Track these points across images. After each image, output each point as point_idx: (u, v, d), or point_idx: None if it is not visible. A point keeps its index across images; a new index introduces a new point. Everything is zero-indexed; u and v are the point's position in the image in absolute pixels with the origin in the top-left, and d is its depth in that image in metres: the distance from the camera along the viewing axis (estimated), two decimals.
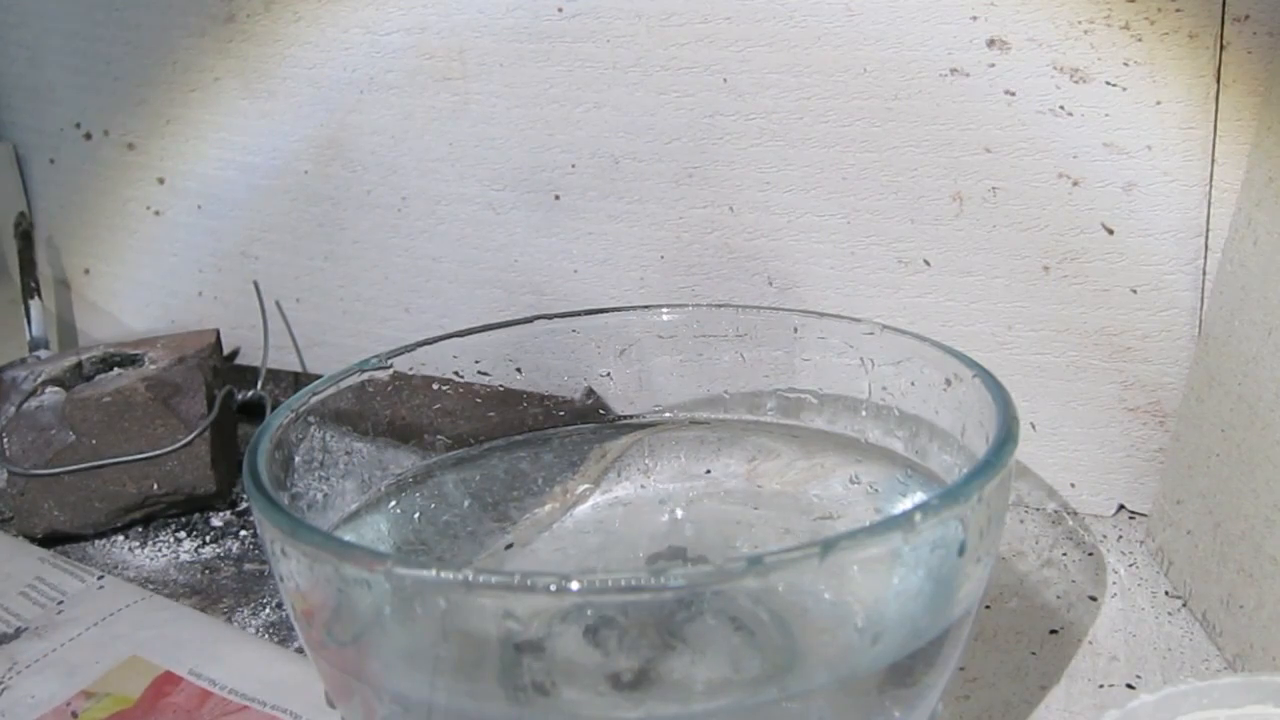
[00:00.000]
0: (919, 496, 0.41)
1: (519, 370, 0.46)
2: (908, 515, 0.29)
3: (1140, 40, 0.46)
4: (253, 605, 0.50)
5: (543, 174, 0.59)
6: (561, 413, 0.47)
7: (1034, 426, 0.52)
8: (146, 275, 0.74)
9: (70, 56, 0.73)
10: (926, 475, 0.41)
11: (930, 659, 0.32)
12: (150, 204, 0.72)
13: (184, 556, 0.55)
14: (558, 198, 0.59)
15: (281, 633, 0.47)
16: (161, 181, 0.71)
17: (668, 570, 0.27)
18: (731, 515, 0.43)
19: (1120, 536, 0.51)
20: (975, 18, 0.48)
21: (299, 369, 0.69)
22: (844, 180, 0.53)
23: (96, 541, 0.56)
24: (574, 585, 0.27)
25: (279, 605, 0.49)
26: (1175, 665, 0.43)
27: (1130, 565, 0.49)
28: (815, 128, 0.52)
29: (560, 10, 0.56)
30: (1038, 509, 0.53)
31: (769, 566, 0.28)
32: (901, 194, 0.52)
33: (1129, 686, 0.42)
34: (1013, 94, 0.48)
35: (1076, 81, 0.47)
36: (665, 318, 0.46)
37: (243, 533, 0.56)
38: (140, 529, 0.57)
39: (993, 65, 0.48)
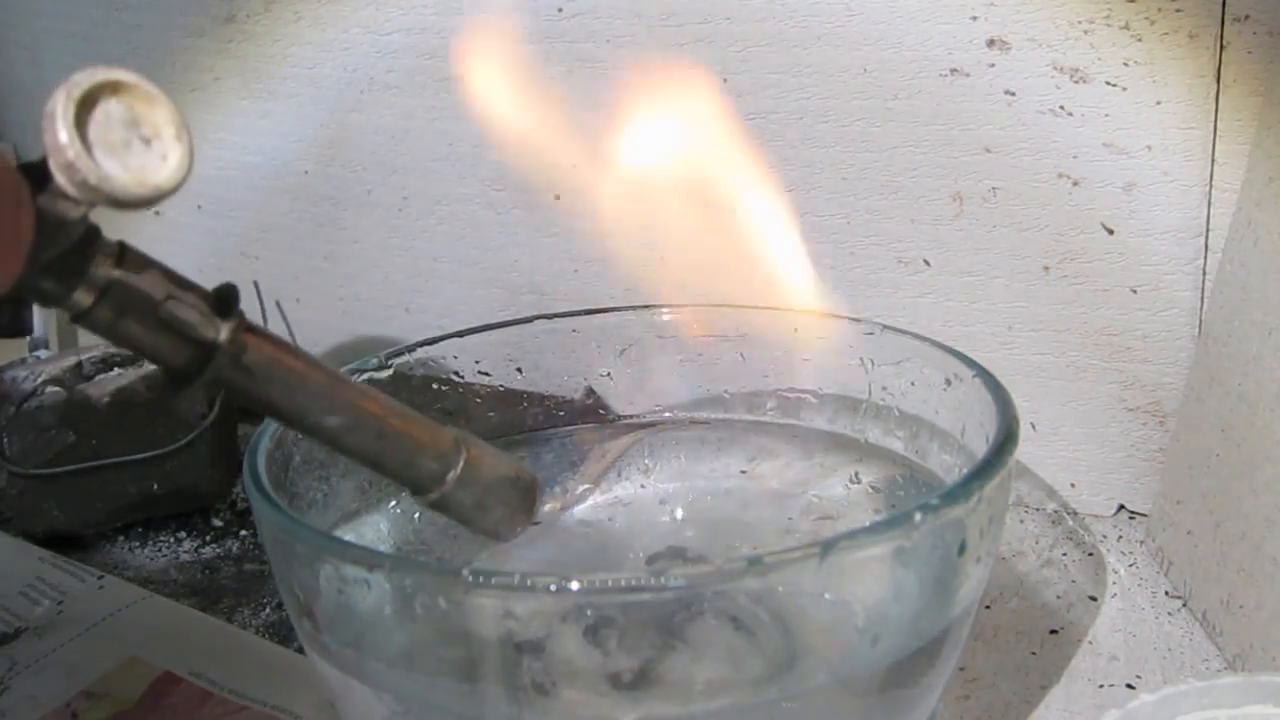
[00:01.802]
0: (919, 496, 0.41)
1: (519, 370, 0.46)
2: (908, 515, 0.29)
3: (1140, 40, 0.46)
4: (253, 605, 0.50)
5: (543, 174, 0.59)
6: (561, 413, 0.47)
7: (1034, 426, 0.52)
8: None
9: (70, 56, 0.73)
10: (926, 475, 0.41)
11: (930, 659, 0.32)
12: None
13: (184, 556, 0.55)
14: (558, 198, 0.59)
15: (281, 633, 0.47)
16: None
17: (668, 570, 0.27)
18: (731, 515, 0.43)
19: (1120, 536, 0.51)
20: (975, 18, 0.48)
21: None
22: (844, 180, 0.53)
23: (97, 541, 0.56)
24: (574, 585, 0.27)
25: (279, 605, 0.49)
26: (1175, 665, 0.43)
27: (1130, 565, 0.49)
28: (815, 128, 0.52)
29: (560, 10, 0.56)
30: (1038, 509, 0.53)
31: (769, 566, 0.28)
32: (901, 194, 0.52)
33: (1129, 686, 0.42)
34: (1013, 94, 0.48)
35: (1076, 81, 0.47)
36: (665, 318, 0.46)
37: (243, 533, 0.56)
38: (140, 529, 0.57)
39: (993, 65, 0.48)
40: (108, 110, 0.23)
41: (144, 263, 0.26)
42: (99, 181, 0.22)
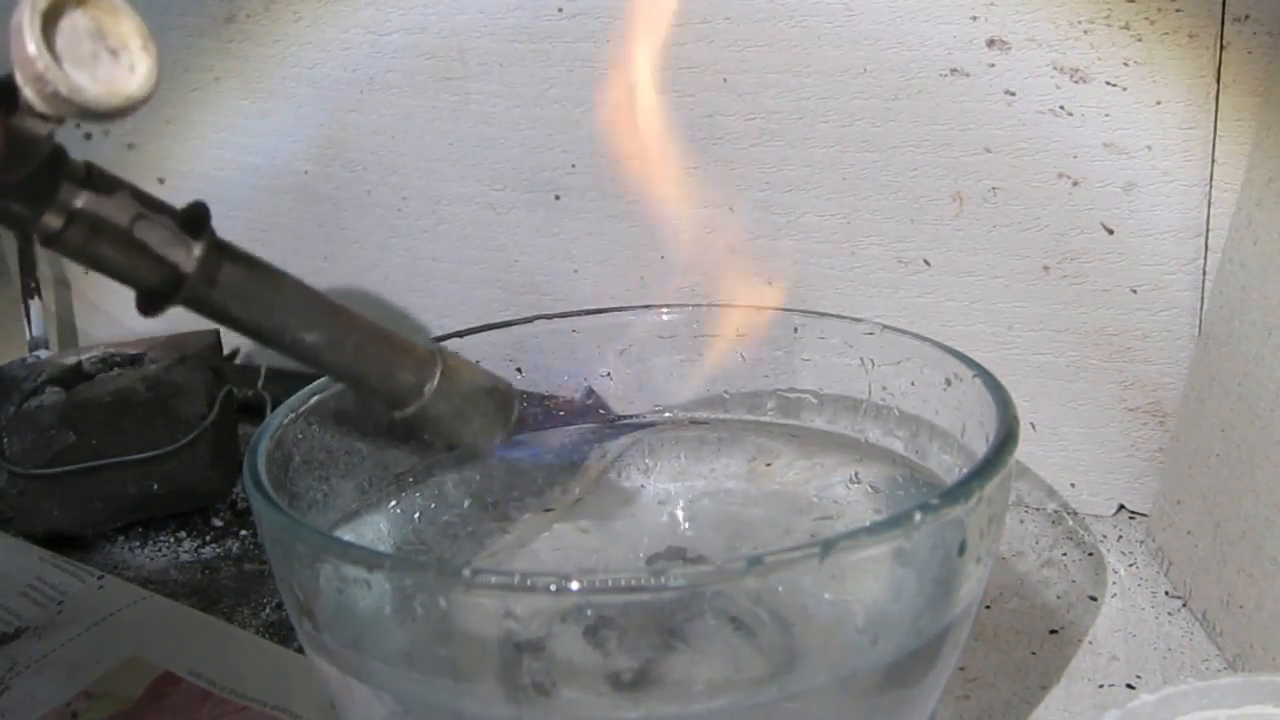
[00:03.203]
0: (919, 496, 0.41)
1: (519, 370, 0.46)
2: (908, 515, 0.29)
3: (1140, 40, 0.46)
4: (253, 605, 0.50)
5: (543, 174, 0.59)
6: (561, 413, 0.47)
7: (1034, 426, 0.52)
8: None
9: None
10: (926, 475, 0.41)
11: (930, 659, 0.32)
12: None
13: (184, 556, 0.55)
14: (558, 198, 0.59)
15: (281, 633, 0.47)
16: (161, 181, 0.71)
17: (668, 570, 0.28)
18: (731, 515, 0.43)
19: (1120, 536, 0.51)
20: (975, 18, 0.48)
21: (299, 369, 0.69)
22: (844, 180, 0.53)
23: (97, 541, 0.56)
24: (574, 585, 0.27)
25: (279, 605, 0.49)
26: (1175, 665, 0.43)
27: (1130, 565, 0.49)
28: (815, 128, 0.52)
29: (560, 10, 0.56)
30: (1038, 509, 0.53)
31: (769, 566, 0.28)
32: (901, 194, 0.52)
33: (1129, 686, 0.42)
34: (1013, 94, 0.48)
35: (1076, 81, 0.47)
36: (665, 318, 0.46)
37: (243, 533, 0.56)
38: (140, 529, 0.57)
39: (993, 65, 0.48)
40: (74, 22, 0.22)
41: (112, 183, 0.25)
42: (70, 92, 0.22)
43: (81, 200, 0.25)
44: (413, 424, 0.31)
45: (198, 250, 0.26)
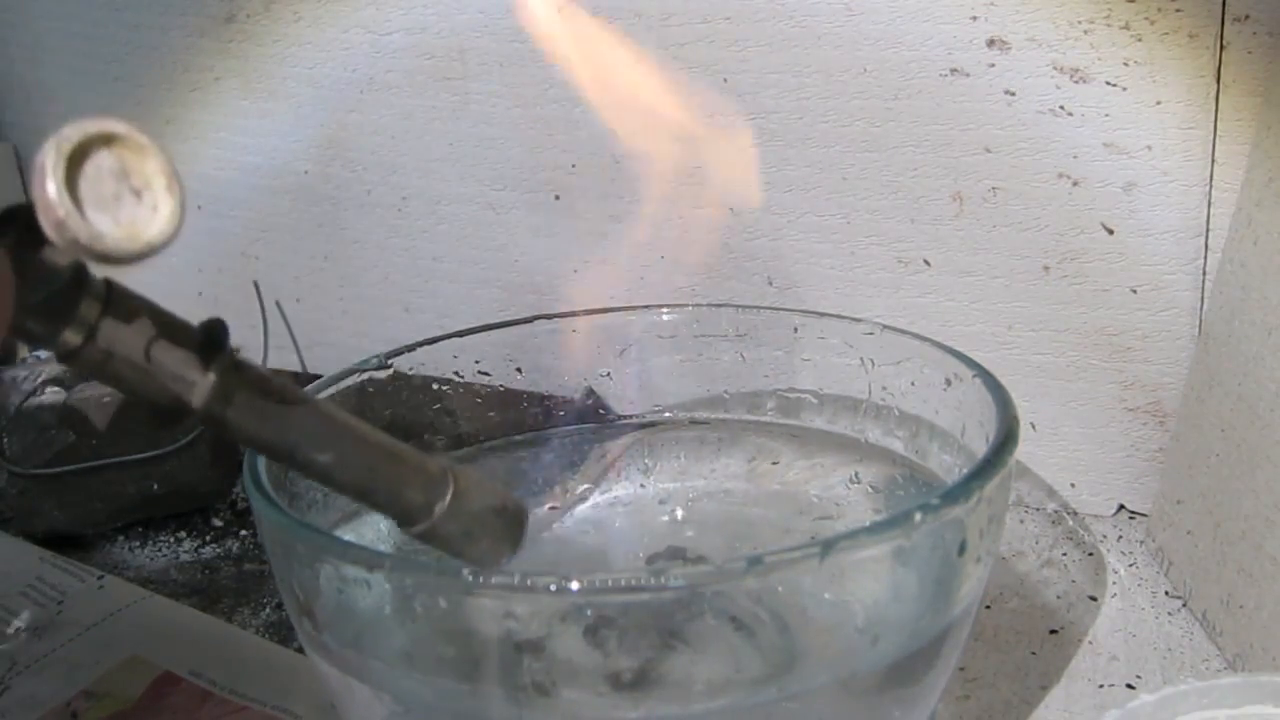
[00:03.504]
0: (919, 496, 0.41)
1: (519, 370, 0.46)
2: (908, 515, 0.29)
3: (1140, 40, 0.46)
4: (253, 605, 0.50)
5: (543, 174, 0.59)
6: (561, 413, 0.47)
7: (1034, 426, 0.52)
8: (146, 276, 0.73)
9: (70, 56, 0.73)
10: (926, 475, 0.41)
11: (930, 659, 0.32)
12: None
13: (184, 556, 0.55)
14: (558, 198, 0.59)
15: (281, 633, 0.47)
16: None
17: (668, 570, 0.28)
18: (731, 515, 0.43)
19: (1120, 536, 0.51)
20: (975, 18, 0.48)
21: (299, 369, 0.69)
22: (844, 180, 0.53)
23: (97, 541, 0.56)
24: (574, 585, 0.27)
25: (279, 605, 0.49)
26: (1175, 665, 0.43)
27: (1130, 565, 0.49)
28: (815, 128, 0.52)
29: (560, 11, 0.56)
30: (1038, 509, 0.53)
31: (769, 566, 0.28)
32: (901, 194, 0.52)
33: (1129, 686, 0.42)
34: (1013, 94, 0.48)
35: (1076, 81, 0.47)
36: (665, 318, 0.46)
37: (243, 533, 0.56)
38: (140, 529, 0.57)
39: (993, 65, 0.48)
40: (98, 163, 0.22)
41: (131, 302, 0.25)
42: (90, 240, 0.21)
43: (100, 320, 0.24)
44: (420, 540, 0.31)
45: (213, 374, 0.26)
